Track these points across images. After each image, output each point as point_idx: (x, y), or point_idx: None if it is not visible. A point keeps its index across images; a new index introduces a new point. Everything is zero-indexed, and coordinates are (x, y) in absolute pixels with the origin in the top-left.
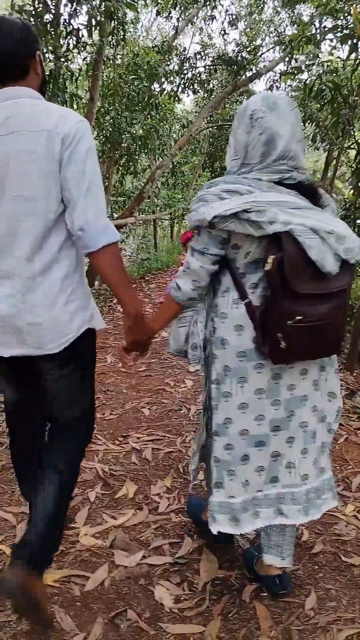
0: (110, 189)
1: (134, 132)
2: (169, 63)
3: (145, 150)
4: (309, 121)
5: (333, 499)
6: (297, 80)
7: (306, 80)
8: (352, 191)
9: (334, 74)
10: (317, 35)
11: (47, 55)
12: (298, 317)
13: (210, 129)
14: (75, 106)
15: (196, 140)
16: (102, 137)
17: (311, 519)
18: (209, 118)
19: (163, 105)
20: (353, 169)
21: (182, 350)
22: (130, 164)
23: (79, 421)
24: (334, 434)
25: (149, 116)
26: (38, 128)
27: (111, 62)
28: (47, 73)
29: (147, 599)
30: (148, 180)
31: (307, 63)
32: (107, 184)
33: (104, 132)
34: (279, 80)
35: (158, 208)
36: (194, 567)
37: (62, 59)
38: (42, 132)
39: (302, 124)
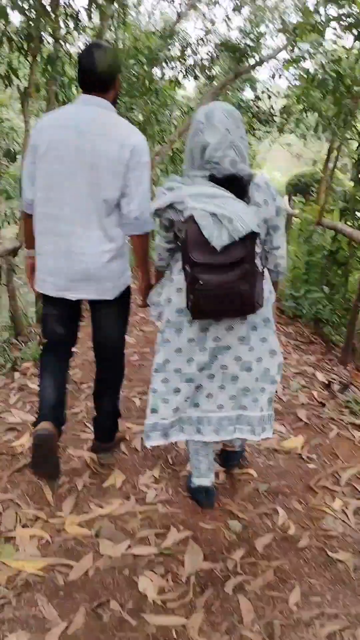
0: None
1: (133, 117)
2: (170, 48)
3: (145, 137)
4: (311, 110)
5: (253, 434)
6: (300, 69)
7: (309, 69)
8: (352, 183)
9: (338, 64)
10: (322, 23)
11: (45, 37)
12: (201, 282)
13: None
14: (75, 91)
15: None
16: None
17: (221, 439)
18: None
19: (163, 91)
20: (355, 161)
21: (155, 315)
22: None
23: (119, 344)
24: (277, 384)
25: (148, 102)
26: (110, 137)
27: (111, 44)
28: (46, 56)
29: (131, 590)
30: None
31: (311, 51)
32: None
33: None
34: (281, 68)
35: None
36: (178, 559)
37: (62, 42)
38: (118, 141)
39: (242, 128)
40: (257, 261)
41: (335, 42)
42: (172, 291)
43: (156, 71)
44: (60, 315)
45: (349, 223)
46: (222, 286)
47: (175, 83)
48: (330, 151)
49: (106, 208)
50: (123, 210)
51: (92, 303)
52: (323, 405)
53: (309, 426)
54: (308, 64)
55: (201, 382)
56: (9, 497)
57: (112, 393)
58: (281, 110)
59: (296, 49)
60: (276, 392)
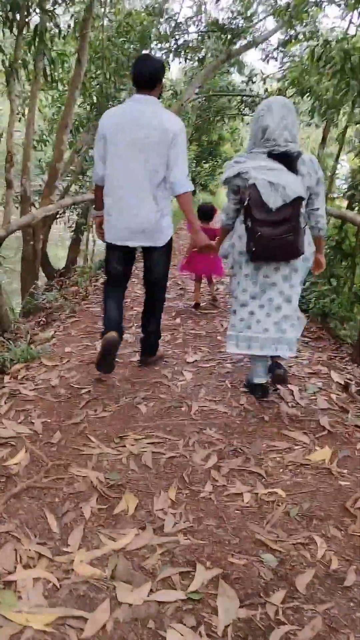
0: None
1: (122, 98)
2: (159, 26)
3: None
4: (306, 94)
5: (288, 351)
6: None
7: (314, 47)
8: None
9: (343, 42)
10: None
11: (32, 8)
12: (259, 234)
13: (199, 100)
14: (61, 69)
15: (185, 111)
16: (88, 103)
17: (264, 354)
18: (199, 88)
19: None
20: None
21: (223, 255)
22: None
23: (163, 279)
24: (297, 311)
25: None
26: (156, 124)
27: (101, 23)
28: (32, 28)
29: None
30: None
31: (308, 32)
32: (91, 153)
33: (90, 97)
34: (275, 50)
35: None
36: (210, 605)
37: (49, 14)
38: (162, 128)
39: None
40: (301, 219)
41: (333, 29)
42: (236, 238)
43: (145, 52)
44: (121, 257)
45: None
46: (274, 237)
47: (165, 63)
48: (325, 135)
49: (155, 180)
50: (168, 178)
51: (145, 249)
52: (345, 410)
53: (333, 435)
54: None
55: (253, 310)
56: (6, 529)
57: (155, 318)
58: (270, 94)
59: (291, 31)
60: (292, 395)
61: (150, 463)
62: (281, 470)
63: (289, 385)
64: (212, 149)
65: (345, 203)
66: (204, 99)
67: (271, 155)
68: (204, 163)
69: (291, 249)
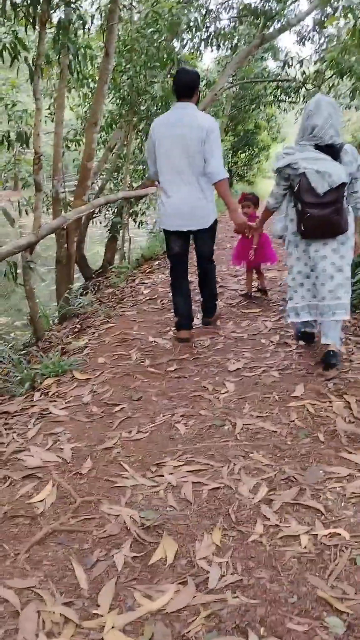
0: (129, 157)
1: (154, 92)
2: (189, 14)
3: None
4: (346, 74)
5: (345, 315)
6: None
7: (356, 21)
8: None
9: None
10: None
11: (55, 1)
12: (309, 214)
13: (234, 88)
14: (89, 64)
15: (219, 101)
16: (118, 98)
17: (325, 319)
18: (233, 76)
19: (185, 62)
20: None
21: (278, 235)
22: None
23: (212, 254)
24: (349, 279)
25: (169, 75)
26: (195, 126)
27: (128, 12)
28: (56, 21)
29: None
30: None
31: (347, 5)
32: (125, 151)
33: (120, 92)
34: (312, 31)
35: None
36: None
37: (73, 5)
38: (197, 126)
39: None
40: (344, 201)
41: None
42: (288, 221)
43: (175, 43)
44: (178, 241)
45: None
46: (322, 217)
47: (196, 53)
48: None
49: (199, 171)
50: (206, 169)
51: (195, 231)
52: None
53: None
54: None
55: (313, 281)
56: (29, 584)
57: (210, 283)
58: (308, 78)
59: (327, 9)
60: (350, 408)
61: (190, 497)
62: (343, 504)
63: (345, 397)
64: (248, 138)
65: None
66: (238, 87)
67: (318, 147)
68: (241, 153)
69: (336, 226)
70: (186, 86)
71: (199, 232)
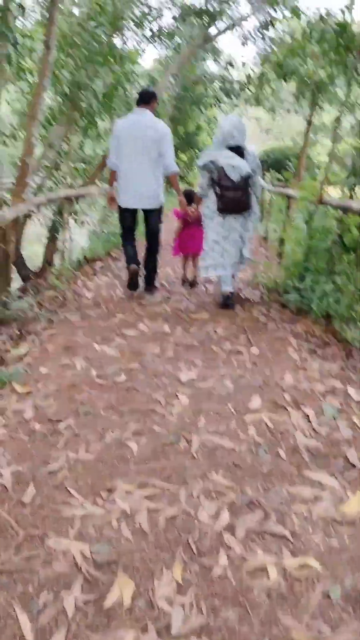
0: (70, 154)
1: (95, 88)
2: (133, 10)
3: (109, 110)
4: (291, 77)
5: (242, 265)
6: (279, 31)
7: (307, 23)
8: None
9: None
10: None
11: None
12: (225, 196)
13: (176, 89)
14: (28, 57)
15: (161, 100)
16: (59, 93)
17: (233, 272)
18: (176, 77)
19: (130, 58)
20: None
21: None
22: (92, 125)
23: (158, 232)
24: (249, 246)
25: (111, 71)
26: (151, 127)
27: (70, 2)
28: None
29: None
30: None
31: (293, 7)
32: (66, 148)
33: (61, 87)
34: (255, 32)
35: None
36: None
37: None
38: (153, 129)
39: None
40: (249, 187)
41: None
42: (210, 202)
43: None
44: (130, 216)
45: None
46: (235, 198)
47: (138, 52)
48: (310, 122)
49: (154, 164)
50: (162, 163)
51: (146, 210)
52: None
53: None
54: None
55: (224, 245)
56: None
57: (154, 257)
58: (249, 81)
59: (272, 11)
60: (309, 420)
61: (146, 526)
62: (310, 529)
63: (303, 408)
64: (189, 140)
65: (337, 191)
66: (180, 88)
67: (229, 147)
68: (182, 154)
69: (244, 204)
70: (146, 95)
71: (149, 211)
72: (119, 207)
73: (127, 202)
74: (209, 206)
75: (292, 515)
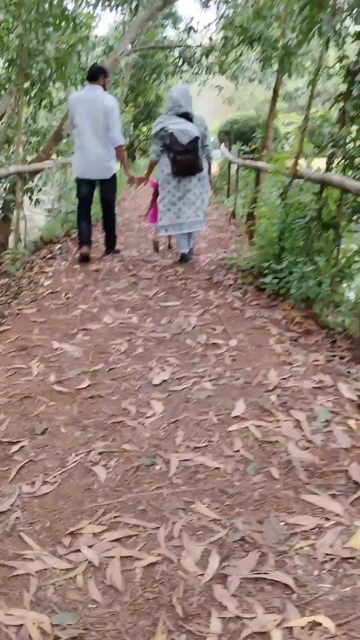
0: (21, 127)
1: (47, 53)
2: None
3: (62, 77)
4: (257, 42)
5: (201, 226)
6: None
7: None
8: (338, 124)
9: None
10: None
11: None
12: (178, 159)
13: (134, 56)
14: None
15: (119, 69)
16: (6, 60)
17: (189, 230)
18: (133, 43)
19: (85, 21)
20: (338, 95)
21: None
22: (44, 94)
23: (111, 200)
24: (207, 202)
25: (64, 34)
26: (100, 102)
27: None
28: None
29: None
30: (65, 115)
31: None
32: (15, 120)
33: (8, 53)
34: None
35: None
36: None
37: None
38: (102, 104)
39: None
40: (200, 150)
41: None
42: (164, 166)
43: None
44: (86, 188)
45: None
46: (186, 160)
47: (93, 15)
48: (277, 88)
49: (104, 135)
50: (109, 135)
51: (101, 181)
52: None
53: None
54: None
55: (179, 206)
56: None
57: (111, 223)
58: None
59: None
60: (300, 427)
61: (119, 582)
62: (316, 572)
63: (292, 413)
64: (149, 111)
65: (315, 162)
66: (138, 55)
67: (177, 114)
68: (142, 126)
69: (195, 167)
70: (95, 72)
71: (103, 181)
72: (76, 178)
73: (82, 173)
74: (163, 170)
75: (293, 554)
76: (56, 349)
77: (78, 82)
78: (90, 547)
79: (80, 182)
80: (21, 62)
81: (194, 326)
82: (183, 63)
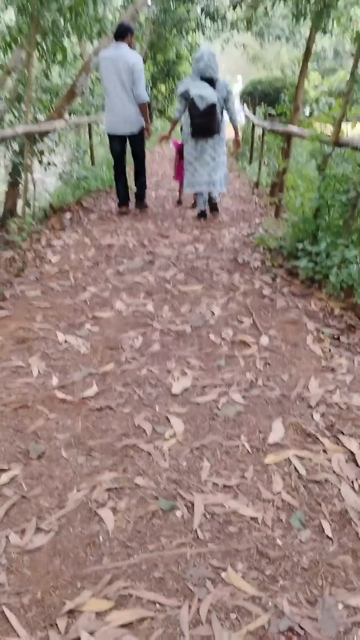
0: (31, 83)
1: (61, 1)
2: None
3: (77, 29)
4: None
5: (221, 188)
6: None
7: None
8: None
9: None
10: None
11: None
12: (196, 121)
13: (154, 10)
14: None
15: (139, 23)
16: (17, 9)
17: (210, 190)
18: None
19: None
20: None
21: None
22: (58, 48)
23: (141, 154)
24: (225, 165)
25: None
26: (126, 59)
27: None
28: None
29: None
30: (81, 71)
31: None
32: (27, 75)
33: (24, 7)
34: None
35: (94, 108)
36: None
37: None
38: (126, 61)
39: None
40: (218, 114)
41: None
42: (185, 126)
43: None
44: (118, 144)
45: None
46: (204, 123)
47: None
48: (310, 47)
49: (131, 91)
50: (134, 92)
51: (129, 136)
52: None
53: None
54: None
55: (195, 166)
56: None
57: (141, 176)
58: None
59: None
60: (355, 460)
61: None
62: None
63: (341, 439)
64: (169, 69)
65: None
66: (159, 10)
67: (202, 78)
68: (161, 84)
69: (212, 129)
70: (123, 30)
71: (131, 136)
72: (108, 134)
73: (111, 128)
74: (184, 130)
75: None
76: (61, 343)
77: (94, 35)
78: (91, 634)
79: (111, 138)
80: (33, 11)
81: (218, 317)
82: (206, 18)
